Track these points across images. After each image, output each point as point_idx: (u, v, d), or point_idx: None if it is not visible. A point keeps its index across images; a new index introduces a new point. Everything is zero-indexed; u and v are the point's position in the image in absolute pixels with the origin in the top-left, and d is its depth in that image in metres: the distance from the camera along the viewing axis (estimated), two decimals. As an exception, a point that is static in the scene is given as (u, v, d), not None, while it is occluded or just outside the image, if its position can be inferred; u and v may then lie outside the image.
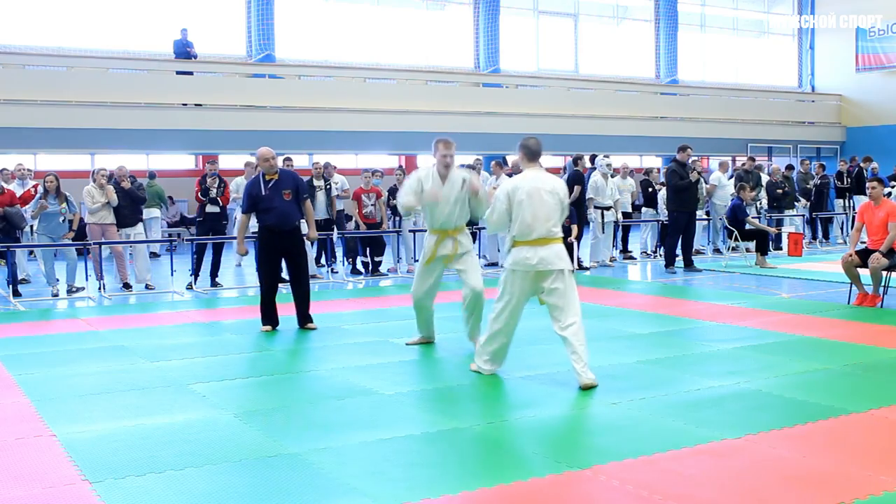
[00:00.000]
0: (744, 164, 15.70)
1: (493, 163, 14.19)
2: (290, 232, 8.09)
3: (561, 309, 5.77)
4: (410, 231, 12.90)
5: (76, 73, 16.98)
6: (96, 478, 4.09)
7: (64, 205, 10.94)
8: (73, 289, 10.86)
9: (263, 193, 7.98)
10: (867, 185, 9.64)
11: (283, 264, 8.40)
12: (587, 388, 5.66)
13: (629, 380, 6.00)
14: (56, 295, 10.73)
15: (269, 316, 8.18)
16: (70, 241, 11.14)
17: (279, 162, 8.60)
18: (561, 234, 5.92)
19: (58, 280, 10.94)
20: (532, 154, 5.95)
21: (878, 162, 18.68)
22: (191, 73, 18.14)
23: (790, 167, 17.11)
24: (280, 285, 8.55)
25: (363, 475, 4.09)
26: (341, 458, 4.35)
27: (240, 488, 3.96)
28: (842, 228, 18.13)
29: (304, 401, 5.54)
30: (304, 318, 8.22)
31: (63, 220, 10.94)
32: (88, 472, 4.16)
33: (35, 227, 11.36)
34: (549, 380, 5.98)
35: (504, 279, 5.97)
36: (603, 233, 13.75)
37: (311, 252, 12.70)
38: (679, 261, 12.94)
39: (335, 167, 13.60)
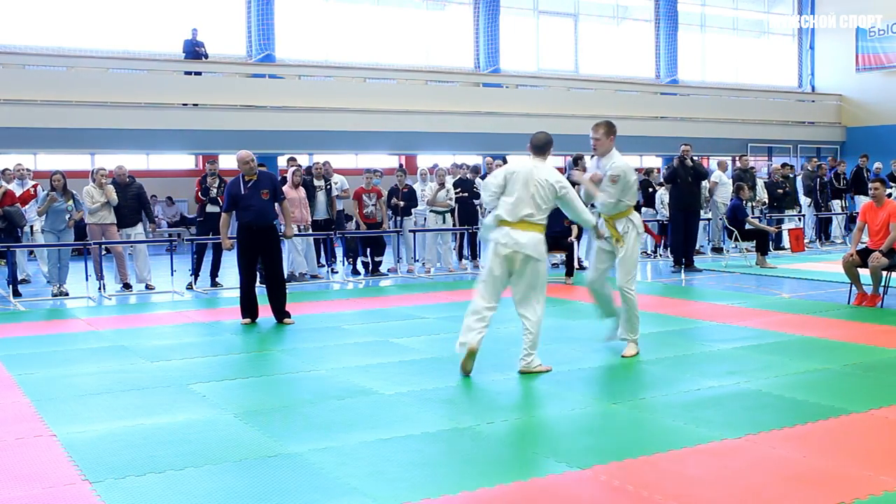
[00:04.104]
0: (742, 164, 15.67)
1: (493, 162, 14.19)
2: (266, 229, 8.50)
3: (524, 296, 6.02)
4: (411, 231, 12.89)
5: (76, 73, 16.97)
6: (96, 478, 4.09)
7: (70, 202, 10.98)
8: (63, 292, 10.81)
9: (242, 192, 8.40)
10: (870, 185, 9.63)
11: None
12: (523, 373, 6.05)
13: (629, 380, 5.99)
14: (56, 295, 10.72)
15: (249, 309, 8.56)
16: (71, 240, 11.13)
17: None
18: (543, 224, 6.05)
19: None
20: (533, 148, 6.21)
21: (878, 162, 18.65)
22: (199, 74, 18.16)
23: (785, 165, 17.07)
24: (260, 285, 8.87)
25: (363, 475, 4.09)
26: (341, 458, 4.35)
27: (240, 488, 3.95)
28: (841, 228, 18.10)
29: (304, 401, 5.53)
30: (280, 314, 8.54)
31: (69, 218, 10.98)
32: (88, 472, 4.16)
33: (40, 225, 11.33)
34: (549, 380, 5.97)
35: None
36: None
37: (312, 252, 12.71)
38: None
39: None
